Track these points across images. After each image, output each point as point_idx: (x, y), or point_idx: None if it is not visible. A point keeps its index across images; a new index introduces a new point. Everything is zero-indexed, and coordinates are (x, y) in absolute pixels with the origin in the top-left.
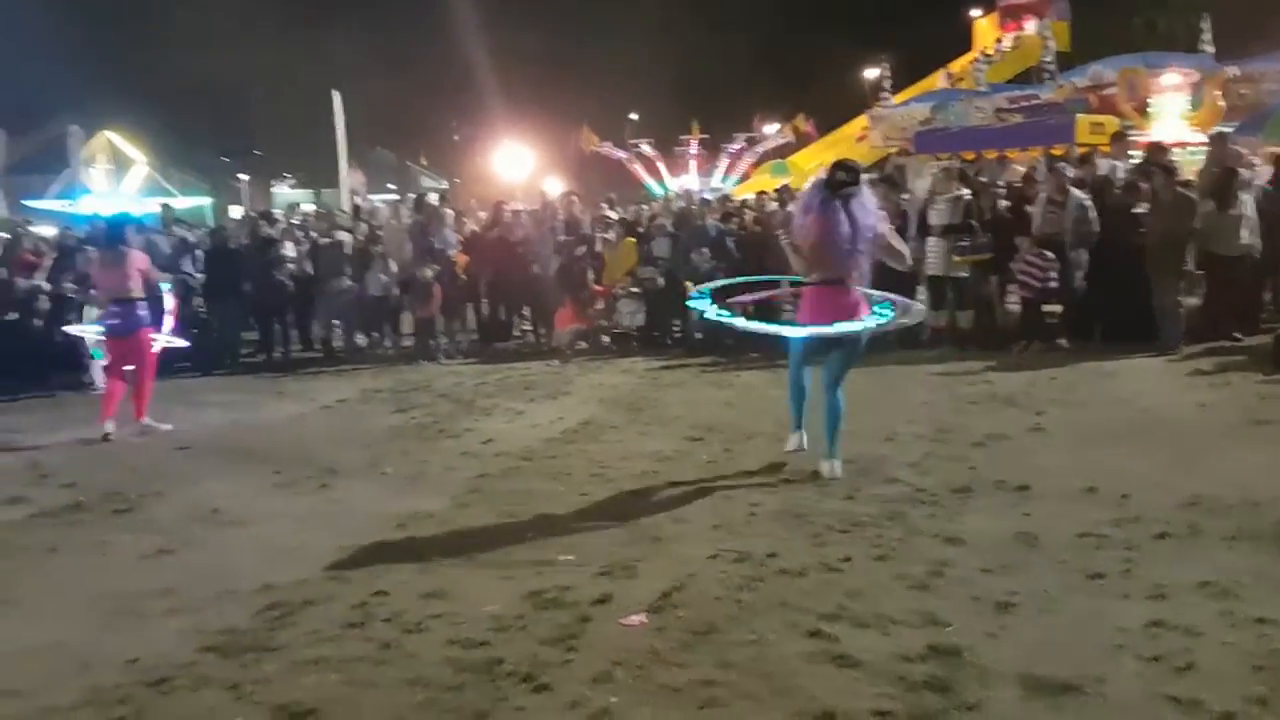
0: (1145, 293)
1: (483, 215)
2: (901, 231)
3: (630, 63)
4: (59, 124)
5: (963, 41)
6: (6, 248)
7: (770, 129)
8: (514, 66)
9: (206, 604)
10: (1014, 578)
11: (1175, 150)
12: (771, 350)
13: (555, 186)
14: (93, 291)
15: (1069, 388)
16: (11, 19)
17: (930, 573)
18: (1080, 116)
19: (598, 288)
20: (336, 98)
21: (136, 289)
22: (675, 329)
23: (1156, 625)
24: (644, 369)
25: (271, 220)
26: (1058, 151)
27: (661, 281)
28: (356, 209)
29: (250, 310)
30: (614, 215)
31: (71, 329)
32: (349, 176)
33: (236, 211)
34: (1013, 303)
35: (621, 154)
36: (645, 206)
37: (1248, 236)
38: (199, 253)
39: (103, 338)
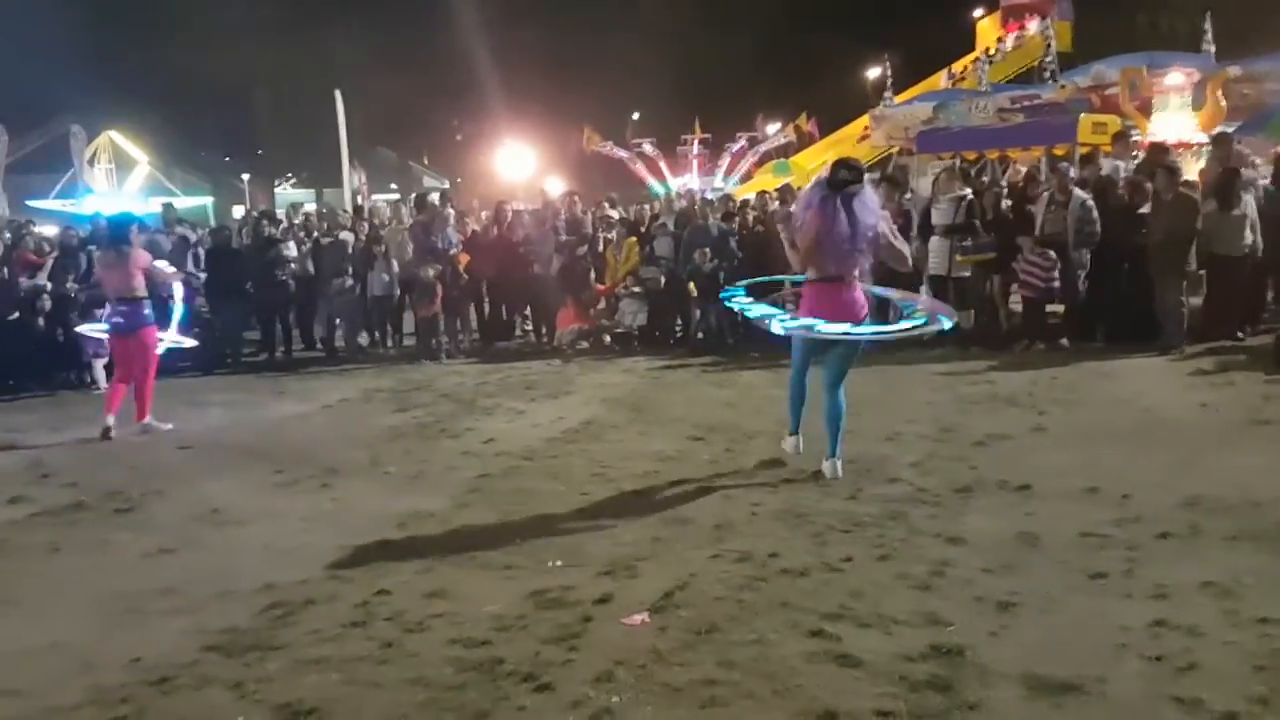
0: (1147, 293)
1: (485, 215)
2: (904, 231)
3: (632, 62)
4: (61, 123)
5: (965, 41)
6: (8, 247)
7: (772, 128)
8: (516, 66)
9: (208, 603)
10: (1016, 577)
11: (1178, 150)
12: (773, 350)
13: (557, 186)
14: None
15: (1071, 388)
16: (14, 18)
17: (932, 572)
18: (1083, 116)
19: (599, 287)
20: (338, 97)
21: (140, 288)
22: (677, 329)
23: (1158, 625)
24: (645, 369)
25: (274, 220)
26: (1060, 151)
27: (663, 281)
28: (359, 208)
29: (252, 310)
30: (616, 215)
31: (84, 328)
32: (351, 176)
33: (239, 211)
34: (1015, 303)
35: (623, 153)
36: (647, 206)
37: (1250, 236)
38: (200, 251)
39: (106, 335)
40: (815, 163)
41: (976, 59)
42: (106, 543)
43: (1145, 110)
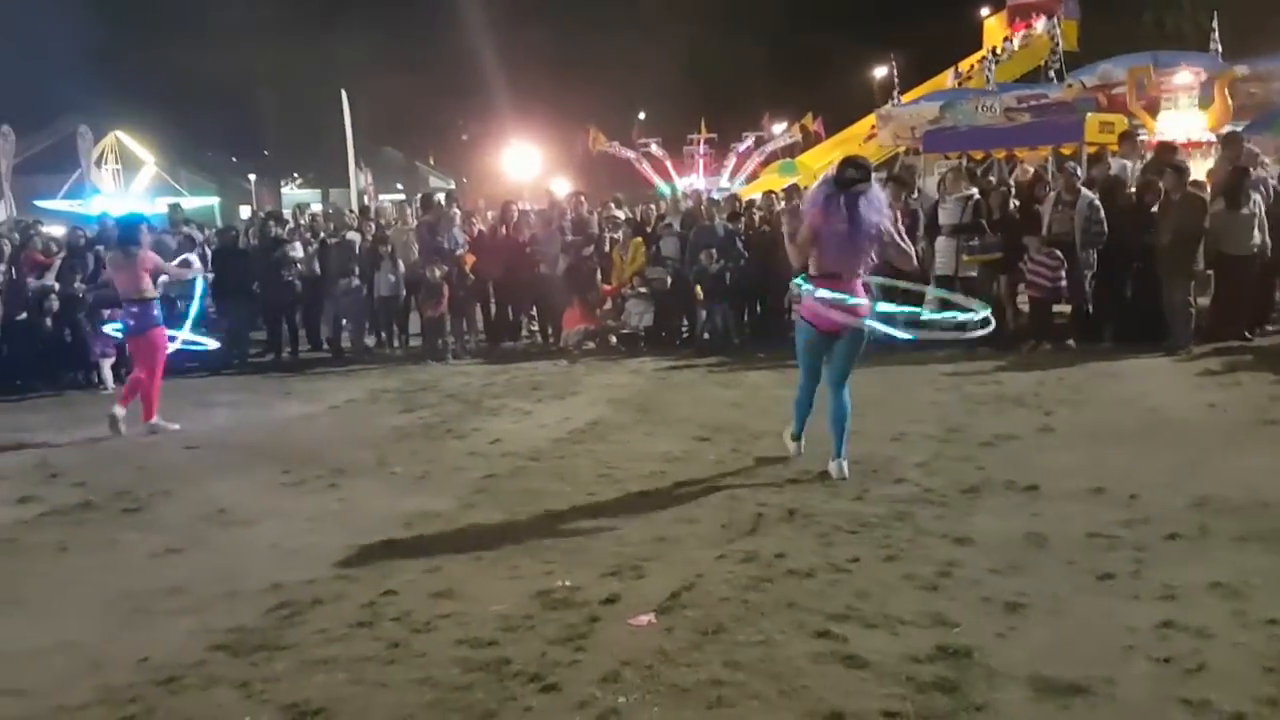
0: (1155, 293)
1: (491, 215)
2: (911, 231)
3: (638, 62)
4: (69, 124)
5: (971, 40)
6: (16, 247)
7: (778, 128)
8: (522, 66)
9: (215, 603)
10: (1023, 578)
11: (1187, 150)
12: (779, 351)
13: (563, 186)
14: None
15: (1078, 388)
16: (21, 19)
17: (939, 573)
18: (1089, 116)
19: (605, 288)
20: (344, 98)
21: (149, 289)
22: (683, 329)
23: (1167, 626)
24: (652, 369)
25: (280, 220)
26: (1067, 151)
27: (669, 282)
28: (364, 208)
29: (258, 310)
30: (622, 215)
31: (108, 328)
32: (357, 176)
33: (245, 212)
34: (1022, 303)
35: (629, 153)
36: (653, 206)
37: (1259, 236)
38: (207, 250)
39: (119, 335)
40: (821, 162)
41: (983, 58)
42: (114, 542)
43: (1152, 109)
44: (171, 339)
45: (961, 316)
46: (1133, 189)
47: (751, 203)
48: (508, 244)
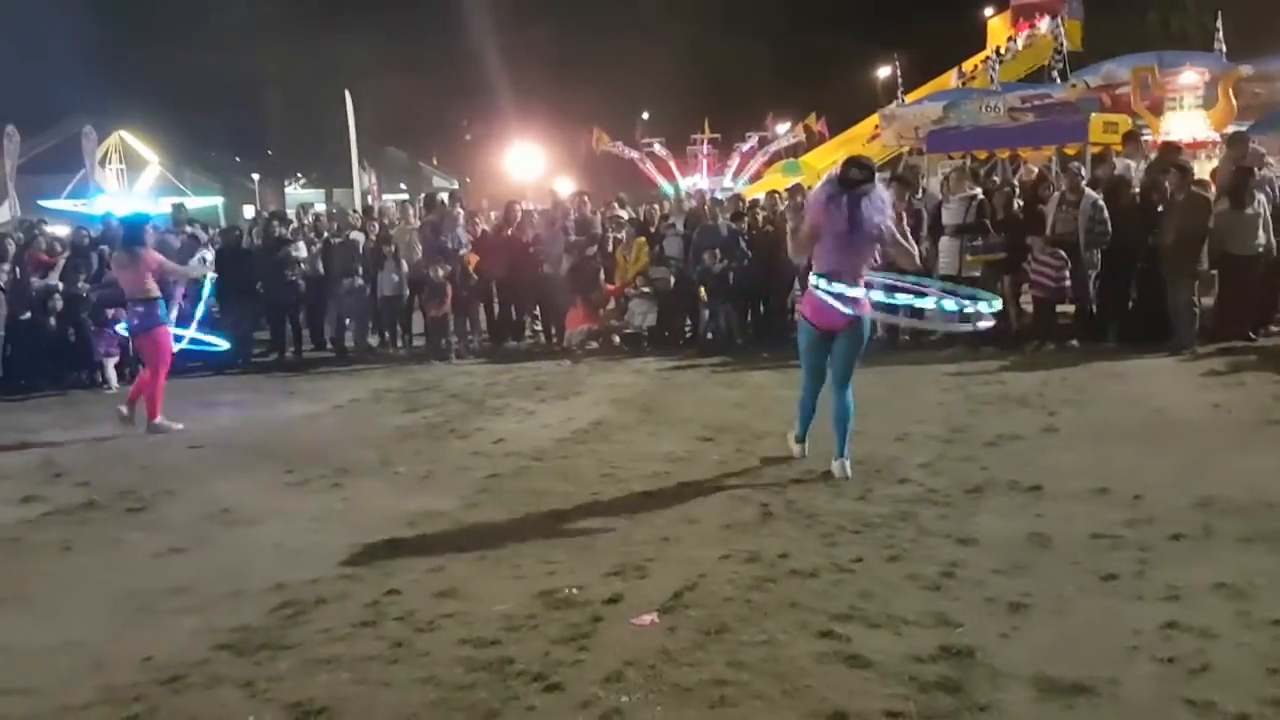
0: (1159, 293)
1: (494, 215)
2: (915, 231)
3: (641, 62)
4: (73, 124)
5: (975, 40)
6: (21, 247)
7: (782, 128)
8: (525, 66)
9: (219, 602)
10: (1026, 578)
11: (1193, 149)
12: (782, 351)
13: (566, 186)
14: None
15: (1082, 388)
16: (25, 19)
17: (942, 573)
18: (1094, 115)
19: (609, 288)
20: (348, 98)
21: (153, 289)
22: (686, 329)
23: (1171, 627)
24: (655, 369)
25: (284, 220)
26: (1071, 151)
27: (673, 282)
28: (368, 208)
29: (262, 310)
30: (625, 215)
31: (119, 328)
32: (361, 176)
33: (249, 211)
34: (1025, 303)
35: (633, 153)
36: (657, 206)
37: (1263, 236)
38: (211, 250)
39: (126, 335)
40: (825, 162)
41: (987, 58)
42: (118, 542)
43: (1156, 109)
44: (178, 338)
45: (968, 308)
46: (1137, 189)
47: (755, 203)
48: (511, 244)
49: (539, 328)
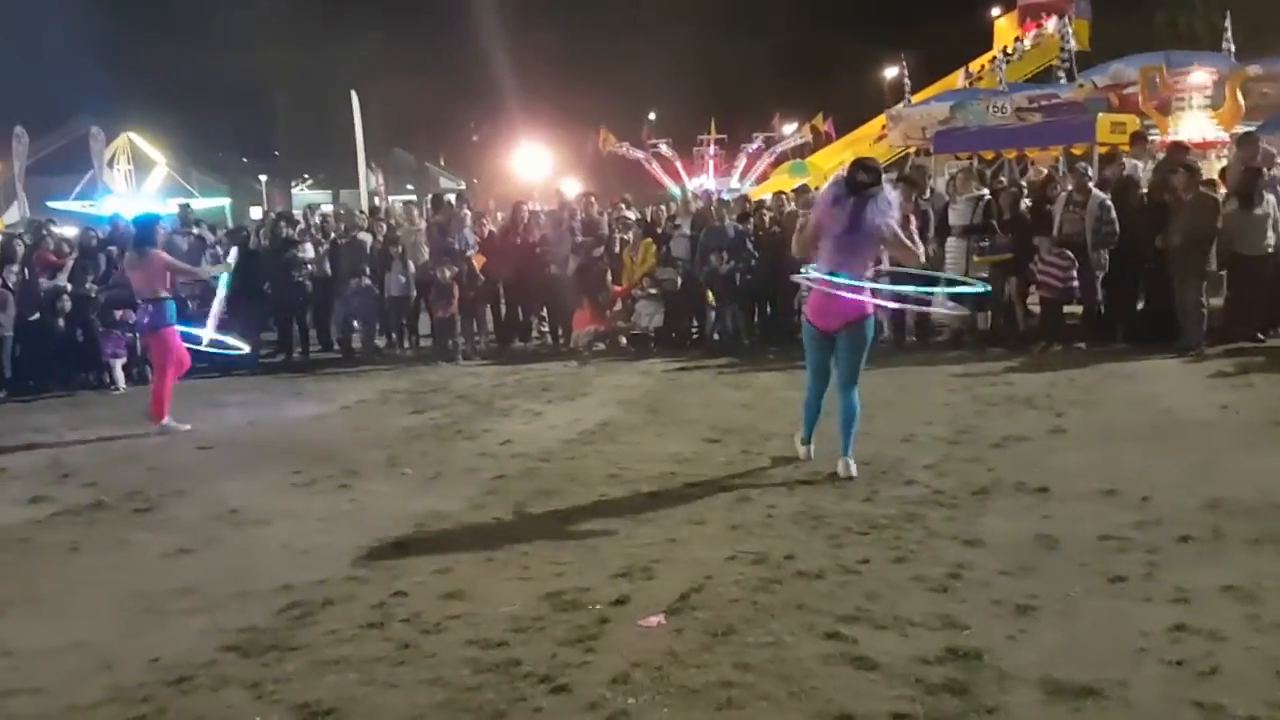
0: (1167, 293)
1: (501, 216)
2: (922, 232)
3: (648, 63)
4: (81, 125)
5: (982, 40)
6: (29, 248)
7: (789, 129)
8: (532, 67)
9: (227, 603)
10: (1034, 580)
11: (1203, 149)
12: (790, 352)
13: (573, 187)
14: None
15: (1089, 389)
16: (33, 21)
17: (949, 575)
18: (1101, 115)
19: (616, 289)
20: (355, 99)
21: (162, 289)
22: (693, 330)
23: (1179, 629)
24: (662, 370)
25: (291, 221)
26: (1078, 151)
27: (680, 283)
28: (375, 209)
29: (269, 310)
30: (632, 216)
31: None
32: (368, 177)
33: (256, 212)
34: (1033, 303)
35: (639, 154)
36: (664, 207)
37: (1272, 236)
38: (218, 251)
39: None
40: (832, 163)
41: (994, 58)
42: (126, 542)
43: (1164, 109)
44: (195, 338)
45: (958, 290)
46: (1144, 189)
47: (761, 203)
48: (518, 245)
49: (546, 329)
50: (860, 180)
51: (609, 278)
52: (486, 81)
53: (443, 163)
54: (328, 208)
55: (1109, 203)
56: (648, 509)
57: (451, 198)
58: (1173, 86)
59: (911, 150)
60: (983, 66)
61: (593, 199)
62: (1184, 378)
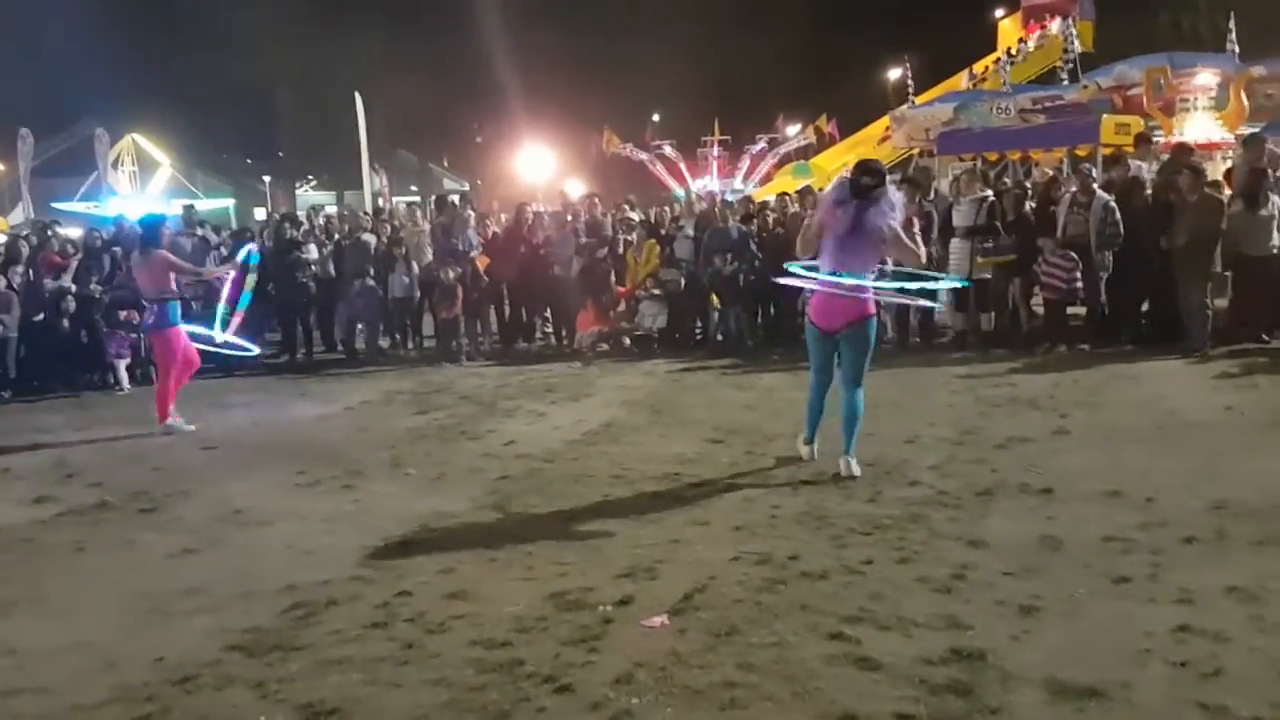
0: (1172, 295)
1: (505, 217)
2: (926, 233)
3: (652, 64)
4: (86, 126)
5: (986, 42)
6: (34, 249)
7: (792, 130)
8: (536, 68)
9: (231, 603)
10: (1037, 581)
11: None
12: (793, 353)
13: (577, 188)
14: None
15: (1093, 390)
16: (39, 24)
17: (953, 575)
18: (1105, 117)
19: (619, 290)
20: (358, 100)
21: (167, 289)
22: (697, 331)
23: (1183, 630)
24: (665, 371)
25: (295, 222)
26: (1082, 152)
27: (683, 284)
28: (378, 210)
29: (273, 311)
30: (636, 217)
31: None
32: (372, 178)
33: (260, 213)
34: (1037, 304)
35: (643, 155)
36: (668, 208)
37: (1277, 237)
38: (223, 252)
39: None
40: (835, 164)
41: (998, 59)
42: (131, 542)
43: (1168, 110)
44: (205, 338)
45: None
46: (1148, 190)
47: (765, 205)
48: (522, 246)
49: (550, 330)
50: (863, 183)
51: (613, 279)
52: (490, 83)
53: (446, 164)
54: (332, 209)
55: (1113, 204)
56: (651, 509)
57: (455, 199)
58: (1177, 88)
59: (915, 151)
60: (987, 68)
61: (596, 200)
62: (1188, 379)
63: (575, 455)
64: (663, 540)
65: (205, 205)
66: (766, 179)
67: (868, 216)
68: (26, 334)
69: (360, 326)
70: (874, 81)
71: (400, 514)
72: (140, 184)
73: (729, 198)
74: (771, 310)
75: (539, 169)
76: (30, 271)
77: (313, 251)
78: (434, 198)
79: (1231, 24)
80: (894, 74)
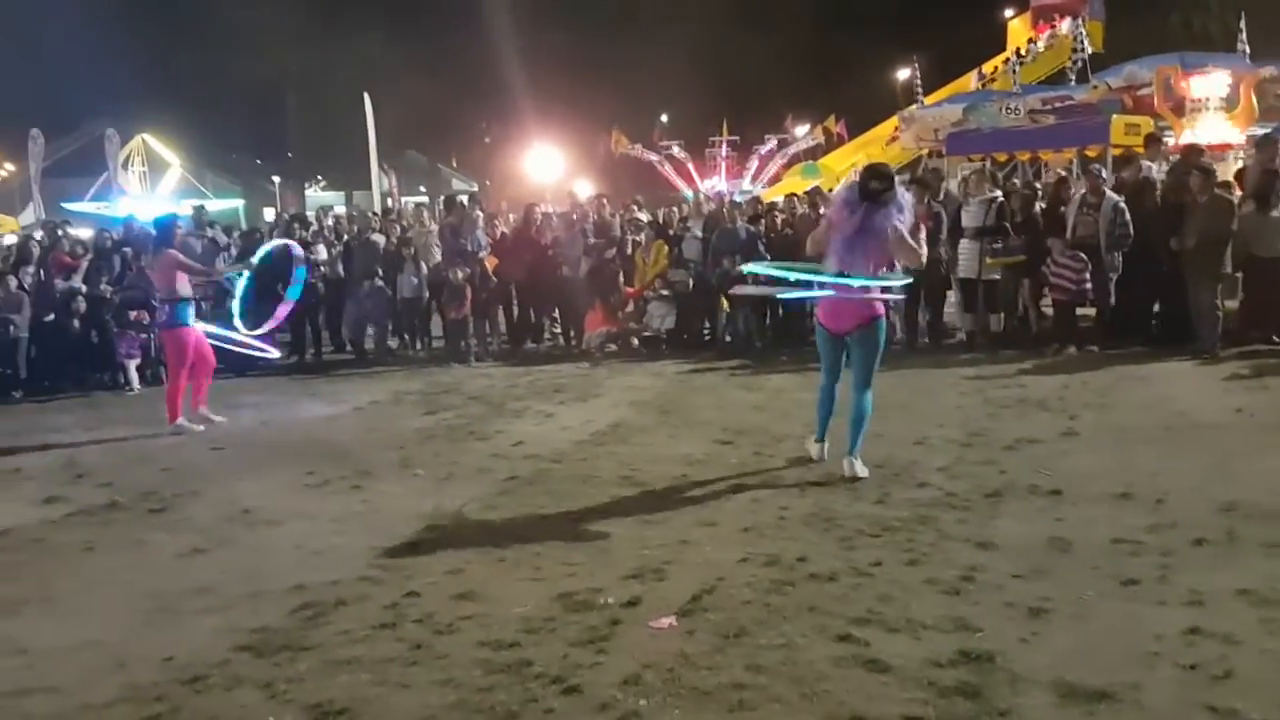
0: (1182, 295)
1: (513, 217)
2: (935, 234)
3: (660, 64)
4: (96, 127)
5: (995, 42)
6: (45, 249)
7: (801, 130)
8: (544, 69)
9: (240, 603)
10: (1046, 583)
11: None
12: (802, 354)
13: (585, 189)
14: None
15: (1103, 391)
16: (48, 24)
17: (961, 577)
18: (1115, 117)
19: (628, 290)
20: (367, 100)
21: (177, 288)
22: (705, 332)
23: (1193, 632)
24: (674, 372)
25: (304, 223)
26: (1092, 153)
27: (692, 284)
28: (387, 210)
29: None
30: (644, 217)
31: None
32: (380, 178)
33: (269, 214)
34: (1046, 306)
35: (652, 156)
36: (675, 209)
37: None
38: (232, 253)
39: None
40: (844, 165)
41: (1007, 60)
42: (140, 542)
43: (1179, 111)
44: (222, 338)
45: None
46: (1159, 191)
47: (773, 205)
48: (530, 246)
49: (558, 330)
50: (872, 188)
51: (621, 279)
52: (498, 83)
53: (455, 164)
54: (340, 209)
55: (1123, 205)
56: (659, 510)
57: (464, 199)
58: (1187, 89)
59: (924, 152)
60: (996, 68)
61: (605, 200)
62: (1198, 380)
63: (583, 456)
64: (671, 541)
65: (215, 205)
66: (775, 179)
67: (875, 220)
68: (37, 334)
69: (369, 327)
70: (883, 82)
71: (409, 514)
72: (150, 184)
73: (737, 198)
74: (780, 311)
75: (547, 169)
76: (41, 272)
77: (322, 252)
78: (442, 198)
79: (1242, 24)
80: (903, 74)
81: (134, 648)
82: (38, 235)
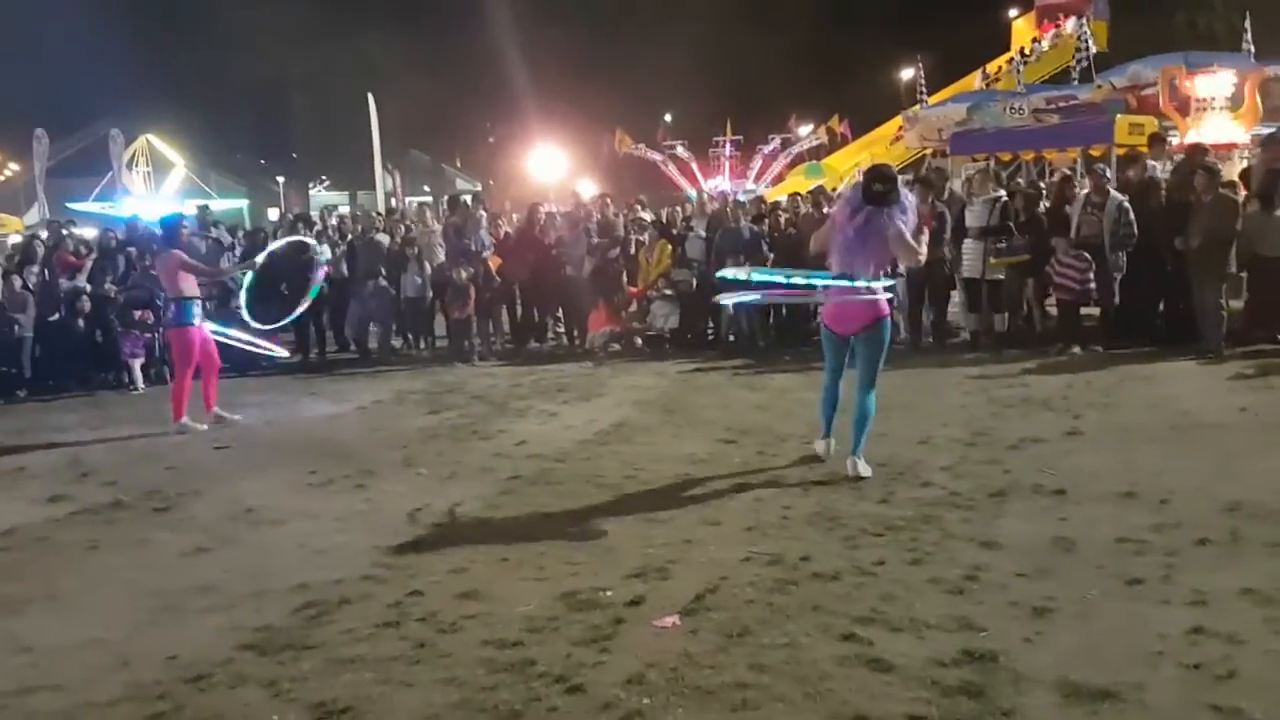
0: (1186, 295)
1: (517, 217)
2: (939, 234)
3: (664, 64)
4: (100, 127)
5: (999, 42)
6: (49, 249)
7: (804, 130)
8: (548, 68)
9: (244, 602)
10: (1050, 583)
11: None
12: (805, 353)
13: (589, 188)
14: None
15: (1107, 391)
16: (54, 24)
17: (965, 577)
18: (1119, 117)
19: (631, 290)
20: (371, 100)
21: (183, 288)
22: (709, 331)
23: (1197, 632)
24: (677, 371)
25: (308, 222)
26: (1096, 152)
27: (695, 284)
28: (391, 210)
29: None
30: (648, 217)
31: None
32: (384, 178)
33: (273, 213)
34: (1050, 305)
35: (655, 155)
36: (679, 209)
37: None
38: (236, 253)
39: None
40: (848, 164)
41: (1011, 59)
42: (144, 541)
43: (1184, 110)
44: (231, 336)
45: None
46: (1163, 190)
47: (777, 205)
48: (534, 246)
49: (561, 330)
50: (875, 190)
51: (624, 279)
52: (502, 83)
53: (459, 164)
54: (344, 209)
55: (1127, 204)
56: (663, 509)
57: (468, 199)
58: (1192, 89)
59: (928, 152)
60: (1000, 68)
61: (608, 200)
62: (1203, 380)
63: (587, 455)
64: (674, 540)
65: (219, 205)
66: (779, 179)
67: (878, 222)
68: (42, 334)
69: (373, 326)
70: (886, 81)
71: (412, 513)
72: (155, 184)
73: (741, 198)
74: (783, 311)
75: (551, 169)
76: (45, 271)
77: (326, 252)
78: (446, 198)
79: (1247, 23)
80: (907, 74)
81: (138, 646)
82: (42, 235)
